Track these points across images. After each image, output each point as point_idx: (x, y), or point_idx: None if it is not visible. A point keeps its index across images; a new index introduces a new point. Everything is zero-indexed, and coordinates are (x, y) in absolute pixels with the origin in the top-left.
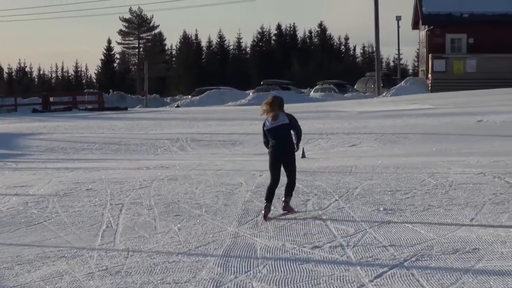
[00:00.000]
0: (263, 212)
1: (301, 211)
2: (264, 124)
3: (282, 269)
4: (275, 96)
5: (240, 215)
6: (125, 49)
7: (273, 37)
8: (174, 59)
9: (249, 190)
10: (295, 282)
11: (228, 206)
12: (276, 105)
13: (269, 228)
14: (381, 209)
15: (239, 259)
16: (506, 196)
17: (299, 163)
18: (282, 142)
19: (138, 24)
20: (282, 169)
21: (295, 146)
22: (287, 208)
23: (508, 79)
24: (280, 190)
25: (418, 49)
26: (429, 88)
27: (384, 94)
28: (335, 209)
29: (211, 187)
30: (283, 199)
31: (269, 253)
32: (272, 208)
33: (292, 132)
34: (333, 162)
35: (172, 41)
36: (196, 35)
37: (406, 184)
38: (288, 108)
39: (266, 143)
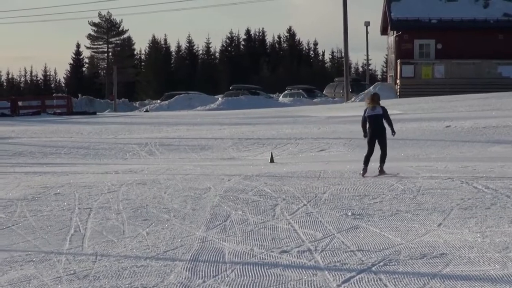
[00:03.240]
0: (361, 172)
1: (270, 216)
2: (365, 111)
3: (250, 274)
4: (375, 93)
5: (209, 219)
6: (94, 54)
7: (242, 42)
8: (143, 63)
9: (217, 194)
10: (263, 286)
11: (197, 210)
12: (375, 100)
13: (237, 232)
14: (349, 214)
15: (207, 264)
16: (474, 201)
17: (267, 167)
18: (378, 126)
19: (107, 28)
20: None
21: (391, 130)
22: (382, 172)
23: (476, 84)
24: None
25: (386, 55)
26: (398, 93)
27: (352, 99)
28: (303, 214)
29: (179, 191)
30: (379, 166)
31: (237, 258)
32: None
33: (384, 120)
34: (302, 167)
35: (141, 46)
36: (165, 40)
37: (374, 189)
38: (257, 113)
39: (364, 127)
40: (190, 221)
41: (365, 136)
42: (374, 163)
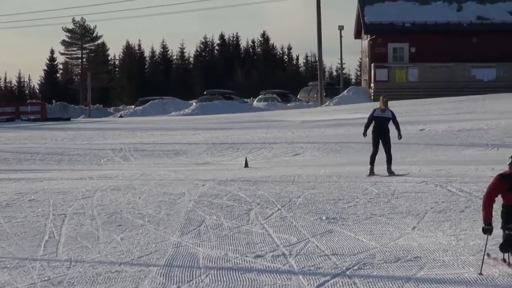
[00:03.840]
0: (368, 172)
1: (245, 221)
2: (373, 111)
3: (225, 279)
4: (386, 96)
5: (183, 224)
6: (68, 60)
7: (216, 47)
8: (117, 69)
9: (192, 199)
10: None
11: (171, 216)
12: (386, 103)
13: (211, 237)
14: (324, 218)
15: (182, 269)
16: (448, 204)
17: (242, 172)
18: (383, 128)
19: (81, 34)
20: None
21: (398, 134)
22: (391, 173)
23: (450, 88)
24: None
25: (360, 59)
26: (372, 97)
27: (327, 103)
28: (277, 219)
29: (154, 197)
30: (387, 167)
31: (212, 263)
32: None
33: (390, 124)
34: (276, 172)
35: (115, 51)
36: (139, 45)
37: (349, 193)
38: (231, 117)
39: (367, 126)
40: (165, 226)
41: (364, 135)
42: (378, 166)
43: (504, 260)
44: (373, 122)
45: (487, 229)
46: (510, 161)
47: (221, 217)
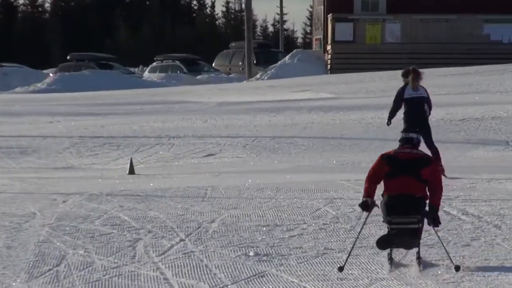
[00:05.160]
0: None
1: (128, 259)
2: (402, 91)
3: None
4: (416, 67)
5: (32, 263)
6: None
7: None
8: None
9: (46, 224)
10: None
11: (14, 249)
12: (417, 78)
13: (76, 283)
14: (251, 254)
15: None
16: (445, 234)
17: (124, 182)
18: (420, 113)
19: None
20: None
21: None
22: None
23: (450, 53)
24: None
25: (311, 7)
26: (328, 67)
27: (258, 76)
28: (179, 255)
29: None
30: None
31: None
32: None
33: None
34: (178, 182)
35: None
36: None
37: (291, 215)
38: (109, 96)
39: (394, 112)
40: (4, 265)
41: (388, 124)
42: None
43: (389, 259)
44: (404, 106)
45: (365, 204)
46: (401, 136)
47: (92, 252)
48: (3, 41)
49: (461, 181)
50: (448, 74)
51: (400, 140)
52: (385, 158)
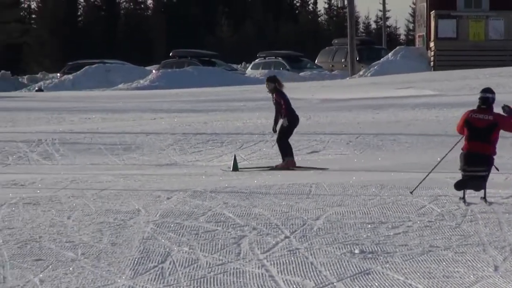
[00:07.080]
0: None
1: (233, 253)
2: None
3: None
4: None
5: (137, 260)
6: None
7: None
8: (34, 16)
9: (150, 221)
10: None
11: (118, 246)
12: None
13: (181, 280)
14: (357, 251)
15: None
16: None
17: (228, 179)
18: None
19: None
20: None
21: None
22: None
23: None
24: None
25: (414, 4)
26: (431, 63)
27: (361, 72)
28: (284, 252)
29: (91, 216)
30: None
31: None
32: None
33: None
34: (283, 178)
35: None
36: None
37: (396, 212)
38: (212, 93)
39: None
40: (108, 262)
41: None
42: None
43: (461, 198)
44: None
45: None
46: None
47: (196, 249)
48: (106, 38)
49: None
50: None
51: (479, 99)
52: (466, 122)
